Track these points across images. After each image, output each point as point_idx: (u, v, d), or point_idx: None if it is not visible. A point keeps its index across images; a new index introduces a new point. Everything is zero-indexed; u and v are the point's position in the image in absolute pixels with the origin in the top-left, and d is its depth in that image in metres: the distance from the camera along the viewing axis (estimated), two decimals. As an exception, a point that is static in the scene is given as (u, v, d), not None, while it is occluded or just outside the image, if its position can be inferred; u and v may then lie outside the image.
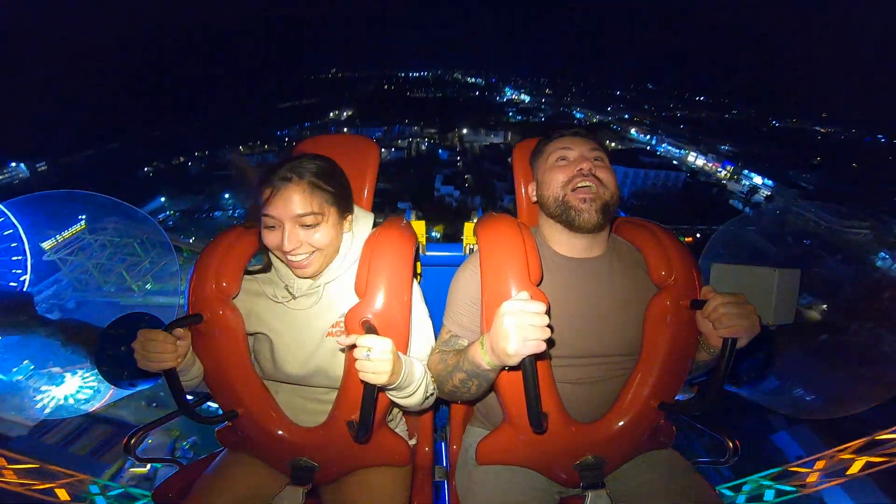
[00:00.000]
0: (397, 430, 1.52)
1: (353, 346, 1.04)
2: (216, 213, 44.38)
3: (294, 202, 1.19)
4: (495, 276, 1.20)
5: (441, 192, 45.02)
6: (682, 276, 1.30)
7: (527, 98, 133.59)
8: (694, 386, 1.61)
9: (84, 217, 22.33)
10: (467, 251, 1.96)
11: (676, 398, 1.33)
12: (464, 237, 1.97)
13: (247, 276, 1.38)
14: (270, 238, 1.23)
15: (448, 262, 2.01)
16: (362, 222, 1.39)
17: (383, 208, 39.69)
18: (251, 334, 1.38)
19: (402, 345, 1.24)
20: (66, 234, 21.82)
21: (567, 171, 1.33)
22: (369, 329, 1.12)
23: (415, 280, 1.36)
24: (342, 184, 1.32)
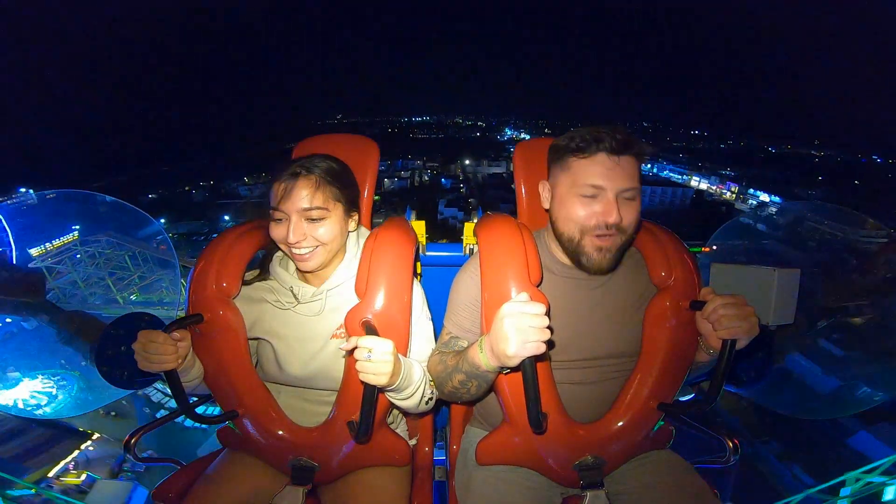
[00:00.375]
0: (398, 431, 1.52)
1: (355, 348, 1.05)
2: (214, 235, 44.63)
3: (301, 196, 1.23)
4: (495, 277, 1.21)
5: (445, 215, 45.13)
6: (681, 277, 1.30)
7: (527, 136, 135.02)
8: (693, 386, 1.61)
9: (78, 227, 22.04)
10: (467, 251, 1.97)
11: (676, 399, 1.33)
12: (464, 237, 1.98)
13: (245, 286, 1.39)
14: (277, 231, 1.27)
15: (448, 262, 2.01)
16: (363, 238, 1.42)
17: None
18: (253, 339, 1.40)
19: (403, 345, 1.24)
20: (56, 242, 21.47)
21: (592, 212, 1.19)
22: (369, 330, 1.13)
23: (415, 280, 1.36)
24: (350, 183, 1.35)
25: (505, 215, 1.36)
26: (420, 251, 1.89)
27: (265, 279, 1.42)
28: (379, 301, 1.19)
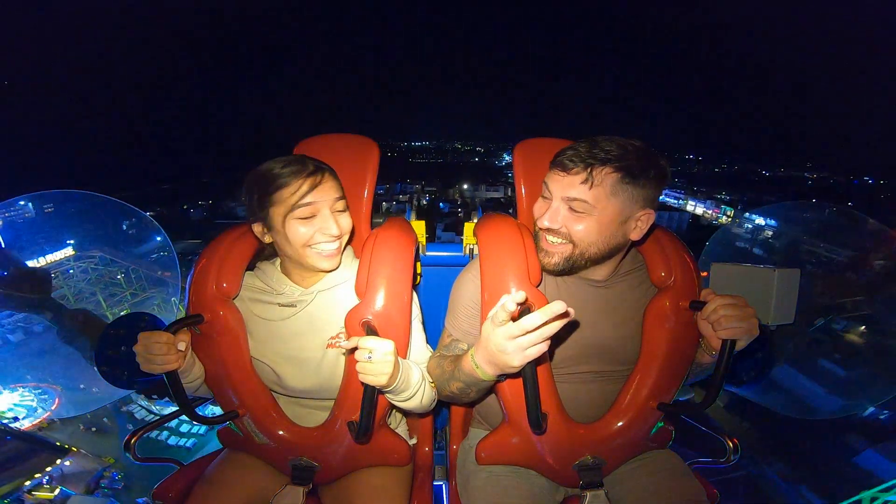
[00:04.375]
0: (398, 431, 1.52)
1: (355, 348, 1.05)
2: None
3: (329, 189, 1.23)
4: (494, 277, 1.21)
5: (443, 240, 44.53)
6: (681, 278, 1.30)
7: None
8: (693, 386, 1.60)
9: (72, 242, 22.14)
10: (467, 251, 1.97)
11: (675, 399, 1.33)
12: (464, 237, 1.98)
13: (240, 298, 1.36)
14: (304, 231, 1.22)
15: (448, 262, 2.02)
16: (351, 255, 1.44)
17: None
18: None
19: (402, 346, 1.25)
20: (49, 257, 21.55)
21: (540, 210, 1.23)
22: (370, 330, 1.13)
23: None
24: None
25: (505, 215, 1.37)
26: (420, 251, 1.90)
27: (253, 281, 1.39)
28: (379, 302, 1.19)
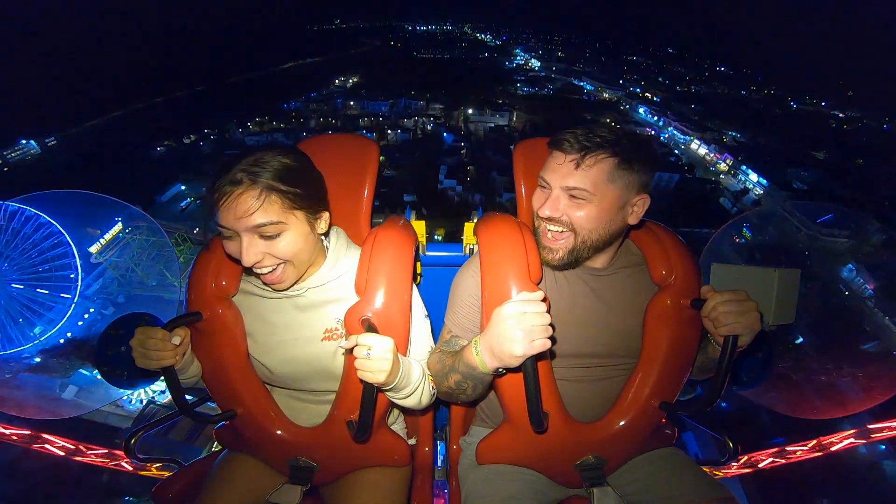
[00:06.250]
0: (394, 428, 1.52)
1: (354, 346, 1.04)
2: None
3: (248, 210, 1.04)
4: (495, 276, 1.21)
5: (444, 185, 45.15)
6: (682, 276, 1.30)
7: (537, 64, 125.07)
8: (695, 385, 1.60)
9: (119, 219, 23.36)
10: (467, 251, 1.96)
11: (678, 398, 1.33)
12: (464, 237, 1.97)
13: (239, 295, 1.34)
14: (230, 247, 1.11)
15: (448, 262, 2.01)
16: (346, 247, 1.35)
17: (389, 199, 39.44)
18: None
19: (402, 344, 1.24)
20: (108, 236, 22.90)
21: (540, 200, 1.24)
22: (369, 328, 1.12)
23: (413, 282, 1.35)
24: (311, 179, 1.17)
25: (505, 215, 1.36)
26: (420, 251, 1.89)
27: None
28: (379, 300, 1.19)
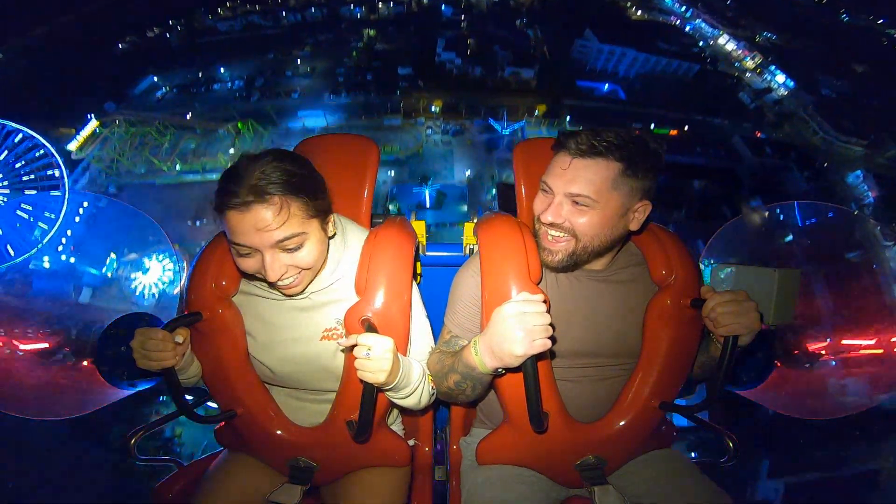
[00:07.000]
0: (393, 428, 1.52)
1: (354, 346, 1.04)
2: (215, 85, 40.14)
3: (270, 226, 1.03)
4: (495, 276, 1.21)
5: (442, 58, 42.06)
6: (682, 276, 1.30)
7: None
8: (695, 385, 1.60)
9: (91, 115, 24.22)
10: (467, 251, 1.96)
11: (677, 398, 1.33)
12: (464, 237, 1.97)
13: (238, 294, 1.34)
14: (247, 264, 1.09)
15: (448, 262, 2.01)
16: (355, 235, 1.33)
17: (382, 74, 38.13)
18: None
19: (402, 344, 1.24)
20: (84, 133, 23.73)
21: (542, 205, 1.23)
22: (369, 328, 1.12)
23: (413, 281, 1.36)
24: (317, 182, 1.15)
25: (505, 214, 1.37)
26: (420, 251, 1.89)
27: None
28: (379, 300, 1.19)
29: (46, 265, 19.60)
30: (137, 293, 19.83)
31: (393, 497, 1.39)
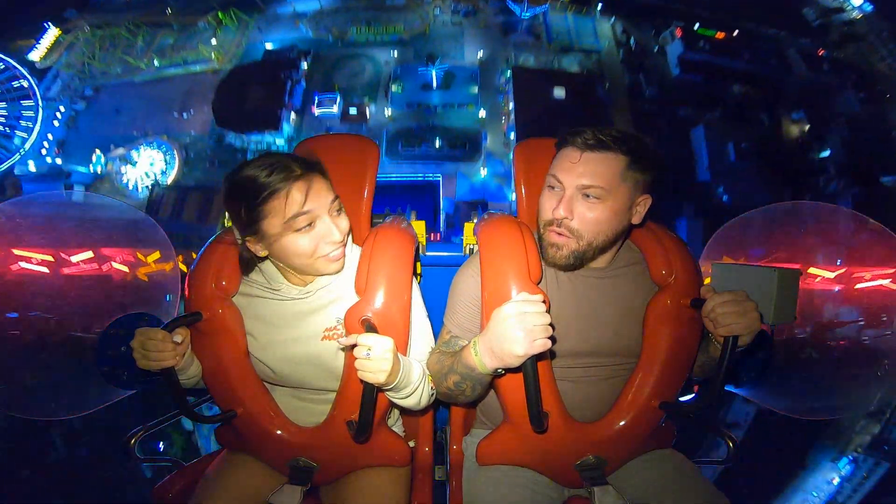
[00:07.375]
0: (394, 428, 1.51)
1: (354, 346, 1.04)
2: None
3: (323, 191, 1.17)
4: (495, 276, 1.21)
5: None
6: (682, 275, 1.30)
7: None
8: (695, 385, 1.60)
9: (48, 23, 23.79)
10: (467, 251, 1.97)
11: (677, 398, 1.33)
12: (464, 237, 1.97)
13: (238, 295, 1.35)
14: (306, 242, 1.16)
15: (448, 262, 2.01)
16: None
17: None
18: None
19: (402, 344, 1.24)
20: (45, 42, 23.39)
21: (550, 204, 1.23)
22: (369, 328, 1.12)
23: (414, 280, 1.36)
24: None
25: (505, 215, 1.37)
26: (420, 251, 1.89)
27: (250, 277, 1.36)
28: (379, 300, 1.19)
29: (32, 169, 20.30)
30: (130, 187, 20.38)
31: (393, 497, 1.39)
